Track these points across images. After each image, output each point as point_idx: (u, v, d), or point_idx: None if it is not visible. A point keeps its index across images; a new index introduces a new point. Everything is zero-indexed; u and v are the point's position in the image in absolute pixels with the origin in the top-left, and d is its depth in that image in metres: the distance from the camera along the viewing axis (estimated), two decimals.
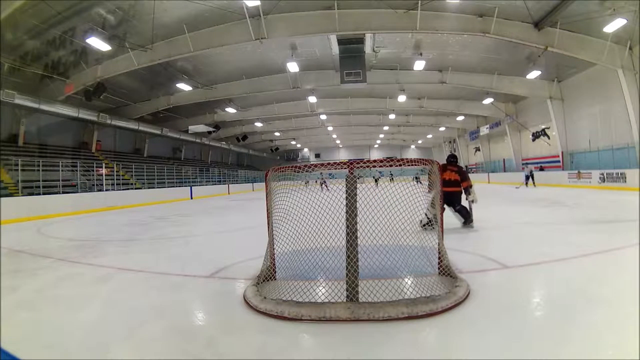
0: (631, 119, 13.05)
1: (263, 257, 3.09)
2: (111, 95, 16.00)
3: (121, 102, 18.35)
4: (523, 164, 21.77)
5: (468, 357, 1.80)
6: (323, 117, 26.45)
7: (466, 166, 32.01)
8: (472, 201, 5.55)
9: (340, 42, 13.26)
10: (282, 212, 2.92)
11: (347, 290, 2.41)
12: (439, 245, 2.94)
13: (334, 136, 37.44)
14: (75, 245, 5.61)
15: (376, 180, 19.11)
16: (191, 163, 28.03)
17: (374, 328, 2.12)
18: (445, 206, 5.07)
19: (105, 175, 16.58)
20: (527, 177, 17.58)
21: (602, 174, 13.67)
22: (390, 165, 4.19)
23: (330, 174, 24.55)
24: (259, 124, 27.00)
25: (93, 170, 15.47)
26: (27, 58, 12.22)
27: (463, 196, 5.58)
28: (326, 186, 15.73)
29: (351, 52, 13.54)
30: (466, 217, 5.43)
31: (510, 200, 11.17)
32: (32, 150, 15.05)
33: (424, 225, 3.55)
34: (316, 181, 17.39)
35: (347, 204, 2.48)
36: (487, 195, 12.84)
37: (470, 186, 5.54)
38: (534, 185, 17.18)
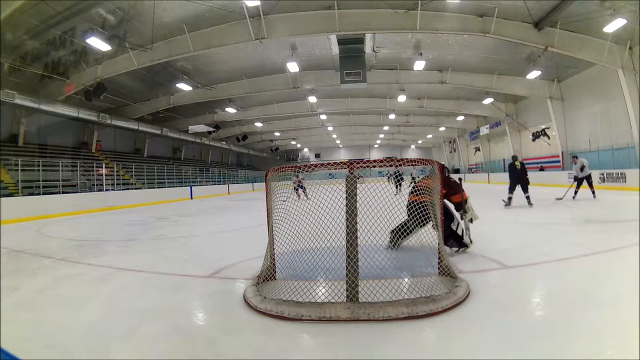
0: (631, 119, 13.03)
1: (263, 257, 3.09)
2: (111, 95, 15.98)
3: (121, 102, 18.33)
4: (572, 157, 11.13)
5: (468, 357, 1.80)
6: (323, 117, 26.43)
7: (466, 169, 31.71)
8: (471, 220, 4.10)
9: (340, 42, 13.24)
10: (282, 212, 2.93)
11: (347, 290, 2.41)
12: (439, 245, 2.93)
13: (334, 136, 37.41)
14: (75, 245, 5.62)
15: (398, 184, 16.10)
16: (191, 163, 28.02)
17: (374, 328, 2.12)
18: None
19: (105, 175, 16.59)
20: (577, 180, 9.48)
21: (602, 174, 13.65)
22: (390, 165, 4.16)
23: (330, 174, 24.37)
24: (259, 124, 26.98)
25: (93, 170, 15.48)
26: (27, 58, 12.21)
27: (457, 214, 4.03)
28: (304, 191, 10.99)
29: (351, 52, 13.52)
30: (452, 244, 3.79)
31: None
32: (32, 150, 15.05)
33: (393, 238, 3.38)
34: (296, 188, 11.34)
35: (347, 204, 2.48)
36: (488, 195, 12.83)
37: (465, 201, 4.04)
38: (593, 195, 9.33)
